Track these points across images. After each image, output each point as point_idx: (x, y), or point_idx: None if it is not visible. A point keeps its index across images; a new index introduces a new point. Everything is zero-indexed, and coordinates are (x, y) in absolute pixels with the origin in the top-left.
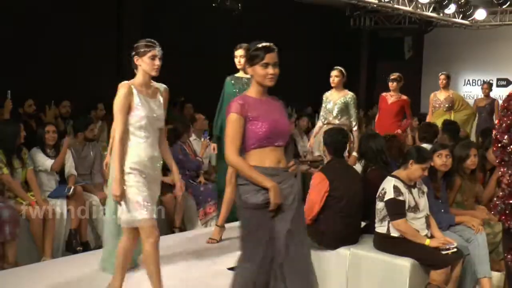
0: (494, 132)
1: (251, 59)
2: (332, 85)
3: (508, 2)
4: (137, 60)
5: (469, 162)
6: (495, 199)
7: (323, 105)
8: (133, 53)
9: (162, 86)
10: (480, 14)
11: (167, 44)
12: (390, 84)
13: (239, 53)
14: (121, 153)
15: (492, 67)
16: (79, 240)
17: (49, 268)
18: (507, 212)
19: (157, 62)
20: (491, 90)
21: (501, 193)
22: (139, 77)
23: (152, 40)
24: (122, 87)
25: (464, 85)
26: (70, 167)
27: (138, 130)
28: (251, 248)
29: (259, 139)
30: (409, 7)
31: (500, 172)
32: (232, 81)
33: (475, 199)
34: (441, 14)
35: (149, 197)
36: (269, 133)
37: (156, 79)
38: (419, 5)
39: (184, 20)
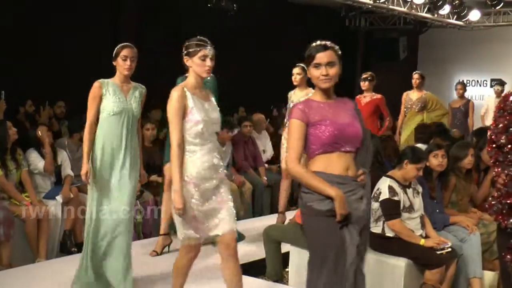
0: (489, 132)
1: (305, 60)
2: (295, 83)
3: (502, 3)
4: (187, 61)
5: (466, 161)
6: (490, 199)
7: (288, 105)
8: (184, 52)
9: (141, 86)
10: (474, 15)
11: (162, 45)
12: (362, 84)
13: None
14: (180, 162)
15: (486, 68)
16: (74, 241)
17: (43, 269)
18: (503, 212)
19: (209, 63)
20: (465, 90)
21: (496, 193)
22: (191, 79)
23: (204, 39)
24: (175, 91)
25: None
26: (66, 167)
27: (193, 137)
28: (322, 256)
29: (323, 144)
30: (404, 7)
31: (494, 173)
32: (182, 79)
33: (470, 199)
34: (436, 15)
35: (203, 213)
36: (334, 138)
37: (154, 78)
38: (414, 6)
39: (179, 20)
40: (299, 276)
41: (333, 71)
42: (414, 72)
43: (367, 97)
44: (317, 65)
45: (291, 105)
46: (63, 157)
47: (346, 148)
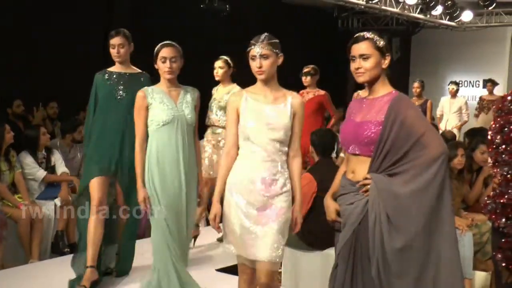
0: (489, 133)
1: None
2: (217, 78)
3: (494, 4)
4: (248, 62)
5: (456, 161)
6: (485, 198)
7: (210, 103)
8: None
9: (192, 89)
10: (467, 16)
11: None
12: (303, 79)
13: (116, 41)
14: (225, 171)
15: (478, 68)
16: (66, 242)
17: (36, 270)
18: (497, 211)
19: (257, 63)
20: (423, 89)
21: (492, 193)
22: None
23: (260, 36)
24: (232, 95)
25: None
26: (60, 166)
27: (242, 143)
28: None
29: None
30: (397, 8)
31: (493, 173)
32: (106, 76)
33: (462, 199)
34: (428, 16)
35: (245, 229)
36: (341, 139)
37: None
38: (407, 7)
39: (172, 21)
40: (292, 277)
41: (368, 64)
42: None
43: (310, 93)
44: (353, 58)
45: (213, 103)
46: (56, 157)
47: (352, 149)
